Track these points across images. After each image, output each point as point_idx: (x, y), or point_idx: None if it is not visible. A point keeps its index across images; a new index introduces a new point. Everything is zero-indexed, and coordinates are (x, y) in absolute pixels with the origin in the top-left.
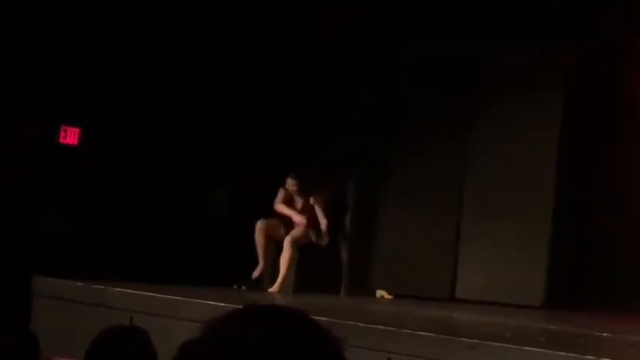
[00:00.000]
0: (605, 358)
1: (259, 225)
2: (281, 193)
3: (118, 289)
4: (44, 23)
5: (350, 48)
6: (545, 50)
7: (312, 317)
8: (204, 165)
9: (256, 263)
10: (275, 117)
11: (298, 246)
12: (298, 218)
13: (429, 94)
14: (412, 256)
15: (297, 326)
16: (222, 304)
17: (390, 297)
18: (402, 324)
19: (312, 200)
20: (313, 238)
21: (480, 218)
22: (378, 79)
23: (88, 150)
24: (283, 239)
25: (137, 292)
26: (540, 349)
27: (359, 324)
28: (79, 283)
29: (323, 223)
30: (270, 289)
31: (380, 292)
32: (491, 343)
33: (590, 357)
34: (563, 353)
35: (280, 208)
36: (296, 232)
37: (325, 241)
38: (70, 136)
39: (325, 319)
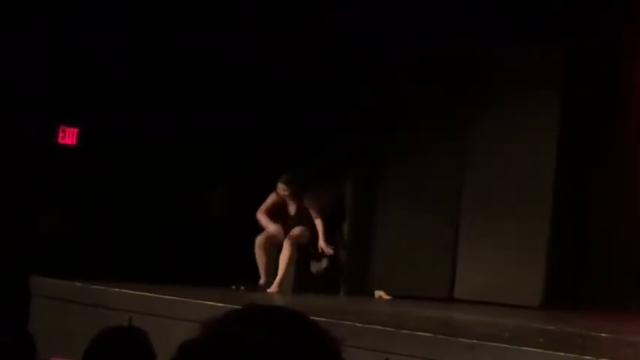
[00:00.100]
0: (603, 358)
1: (258, 241)
2: (271, 199)
3: (116, 290)
4: (44, 23)
5: (350, 48)
6: (545, 50)
7: (311, 317)
8: (204, 165)
9: (255, 264)
10: (275, 117)
11: (298, 246)
12: (273, 227)
13: (429, 94)
14: (411, 257)
15: (296, 327)
16: (221, 305)
17: (388, 297)
18: (401, 324)
19: (305, 203)
20: (311, 258)
21: (479, 218)
22: (378, 79)
23: (87, 150)
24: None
25: (136, 292)
26: (539, 350)
27: (357, 324)
28: (78, 284)
29: (319, 226)
30: (268, 289)
31: (378, 293)
32: (490, 343)
33: (588, 357)
34: (562, 354)
35: (259, 216)
36: (295, 231)
37: (323, 263)
38: (68, 136)
39: (324, 319)
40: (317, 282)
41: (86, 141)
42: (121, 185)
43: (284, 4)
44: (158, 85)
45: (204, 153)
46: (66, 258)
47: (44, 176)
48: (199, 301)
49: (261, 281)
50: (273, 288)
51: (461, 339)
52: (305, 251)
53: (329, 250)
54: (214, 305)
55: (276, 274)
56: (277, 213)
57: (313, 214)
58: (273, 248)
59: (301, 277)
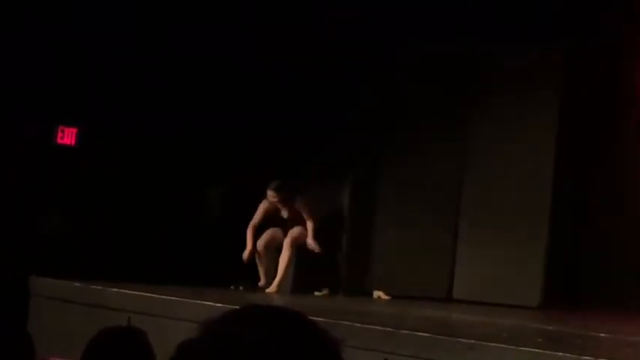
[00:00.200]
0: (602, 358)
1: (258, 243)
2: (262, 207)
3: (115, 290)
4: (44, 23)
5: (350, 48)
6: (545, 50)
7: (310, 318)
8: (204, 165)
9: (255, 265)
10: (275, 117)
11: (296, 246)
12: (246, 256)
13: (429, 94)
14: (410, 257)
15: (295, 327)
16: (220, 305)
17: (387, 297)
18: (400, 324)
19: (297, 206)
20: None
21: (478, 218)
22: (378, 79)
23: (87, 150)
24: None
25: (135, 292)
26: (537, 350)
27: (356, 324)
28: (77, 284)
29: (309, 227)
30: (267, 290)
31: (377, 293)
32: (489, 343)
33: (587, 357)
34: (561, 354)
35: (248, 232)
36: (294, 232)
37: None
38: (67, 136)
39: (322, 319)
40: (316, 282)
41: (85, 141)
42: (120, 185)
43: (284, 4)
44: (158, 85)
45: (204, 153)
46: (66, 258)
47: (44, 176)
48: (198, 302)
49: (261, 282)
50: (271, 288)
51: (460, 339)
52: (303, 252)
53: (317, 248)
54: (213, 305)
55: (275, 275)
56: (273, 218)
57: (305, 216)
58: (273, 249)
59: (300, 278)
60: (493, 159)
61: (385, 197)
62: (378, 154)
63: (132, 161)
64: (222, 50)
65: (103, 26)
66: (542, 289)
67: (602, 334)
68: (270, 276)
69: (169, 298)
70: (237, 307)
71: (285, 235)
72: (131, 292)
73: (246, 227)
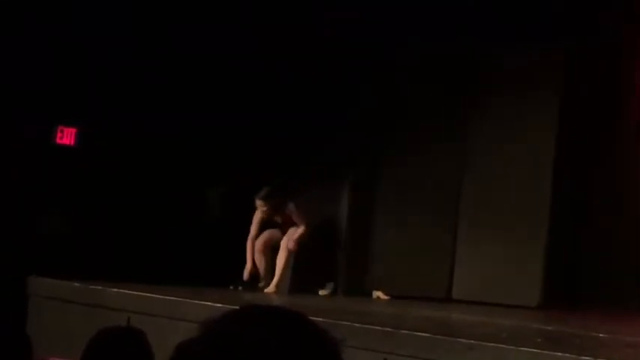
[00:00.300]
0: (601, 358)
1: (257, 243)
2: (256, 218)
3: (115, 290)
4: (44, 23)
5: (350, 48)
6: (545, 50)
7: (310, 318)
8: (203, 165)
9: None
10: (275, 117)
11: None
12: (247, 274)
13: (429, 94)
14: (409, 257)
15: (294, 327)
16: (219, 305)
17: (386, 297)
18: (399, 324)
19: (287, 211)
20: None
21: (478, 218)
22: (378, 79)
23: (86, 150)
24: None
25: (134, 292)
26: (537, 350)
27: (355, 324)
28: (77, 284)
29: (299, 231)
30: (266, 290)
31: (376, 293)
32: (488, 343)
33: (586, 357)
34: (560, 354)
35: (247, 246)
36: (291, 232)
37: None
38: (66, 136)
39: (322, 319)
40: (314, 282)
41: (84, 141)
42: (120, 185)
43: (284, 4)
44: (158, 85)
45: (204, 153)
46: (65, 258)
47: (44, 176)
48: (197, 302)
49: (261, 282)
50: (270, 289)
51: (459, 339)
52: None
53: (293, 248)
54: (212, 305)
55: (273, 275)
56: (269, 222)
57: (297, 221)
58: (271, 249)
59: (298, 278)
60: (493, 159)
61: (385, 197)
62: (378, 154)
63: (132, 161)
64: (222, 50)
65: (102, 26)
66: (541, 289)
67: (601, 335)
68: (269, 276)
69: (169, 298)
70: (237, 307)
71: (282, 234)
72: (131, 292)
73: (246, 227)
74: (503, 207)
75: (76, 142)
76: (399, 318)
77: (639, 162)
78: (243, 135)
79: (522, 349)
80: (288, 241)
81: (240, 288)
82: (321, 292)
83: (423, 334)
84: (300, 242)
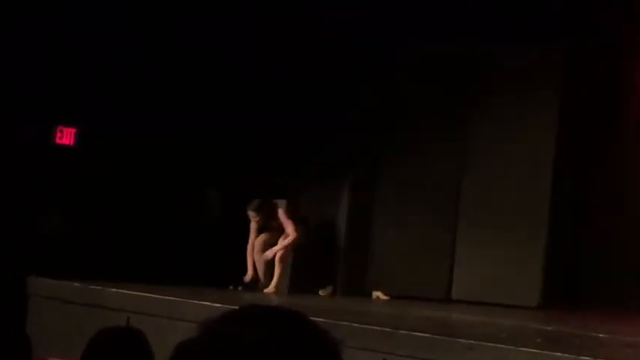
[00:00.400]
0: (601, 358)
1: (256, 243)
2: (252, 227)
3: (114, 290)
4: (44, 23)
5: (350, 48)
6: (545, 50)
7: (310, 318)
8: (204, 165)
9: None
10: (275, 117)
11: (293, 247)
12: (247, 279)
13: (429, 94)
14: (409, 257)
15: (294, 327)
16: (219, 305)
17: (386, 298)
18: (399, 325)
19: (280, 219)
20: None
21: (478, 218)
22: (378, 79)
23: (86, 150)
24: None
25: (134, 292)
26: (536, 350)
27: (355, 325)
28: (76, 284)
29: (288, 239)
30: (266, 290)
31: (376, 293)
32: (488, 343)
33: (585, 357)
34: (559, 354)
35: (248, 254)
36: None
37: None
38: (66, 136)
39: (321, 319)
40: (314, 283)
41: (84, 141)
42: (120, 185)
43: (284, 4)
44: (158, 85)
45: (204, 153)
46: (65, 258)
47: (43, 176)
48: (197, 302)
49: (260, 283)
50: (269, 289)
51: (459, 339)
52: (301, 252)
53: (268, 255)
54: (212, 305)
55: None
56: (266, 227)
57: (285, 228)
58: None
59: (298, 278)
60: (493, 159)
61: (385, 197)
62: (378, 154)
63: (132, 161)
64: (222, 50)
65: (102, 26)
66: (541, 289)
67: (601, 335)
68: (269, 276)
69: (168, 298)
70: (237, 307)
71: (280, 235)
72: (130, 292)
73: (246, 227)
74: (503, 207)
75: (76, 142)
76: (398, 318)
77: (639, 162)
78: (243, 135)
79: (522, 349)
80: (269, 251)
81: (239, 288)
82: (321, 293)
83: (423, 335)
84: (289, 249)
